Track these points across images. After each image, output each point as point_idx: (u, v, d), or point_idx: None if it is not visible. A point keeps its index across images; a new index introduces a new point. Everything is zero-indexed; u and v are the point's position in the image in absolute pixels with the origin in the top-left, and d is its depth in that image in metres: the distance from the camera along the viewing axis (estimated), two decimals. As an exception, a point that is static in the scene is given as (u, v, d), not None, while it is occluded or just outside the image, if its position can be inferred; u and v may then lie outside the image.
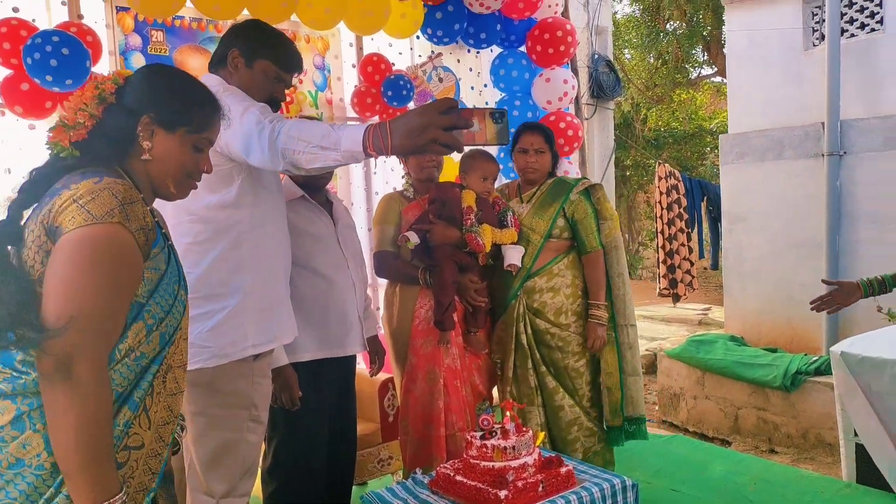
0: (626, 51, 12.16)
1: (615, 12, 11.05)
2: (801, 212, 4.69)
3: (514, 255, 2.75)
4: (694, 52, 11.04)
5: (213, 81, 1.88)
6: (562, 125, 4.06)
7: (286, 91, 2.06)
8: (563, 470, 2.10)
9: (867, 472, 3.04)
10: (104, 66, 2.86)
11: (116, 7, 2.91)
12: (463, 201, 2.66)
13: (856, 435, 3.04)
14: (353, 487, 2.76)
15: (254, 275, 1.89)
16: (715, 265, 5.79)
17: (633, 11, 11.39)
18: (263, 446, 2.49)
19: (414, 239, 2.59)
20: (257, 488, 2.85)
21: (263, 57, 1.95)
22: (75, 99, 1.33)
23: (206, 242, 1.85)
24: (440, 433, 2.61)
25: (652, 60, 11.31)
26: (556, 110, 4.14)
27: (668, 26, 10.52)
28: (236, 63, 1.96)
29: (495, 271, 2.87)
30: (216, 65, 2.01)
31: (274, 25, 3.25)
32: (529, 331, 2.80)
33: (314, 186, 2.50)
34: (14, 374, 1.16)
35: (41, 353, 1.11)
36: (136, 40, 2.95)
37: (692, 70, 11.91)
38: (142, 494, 1.25)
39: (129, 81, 1.36)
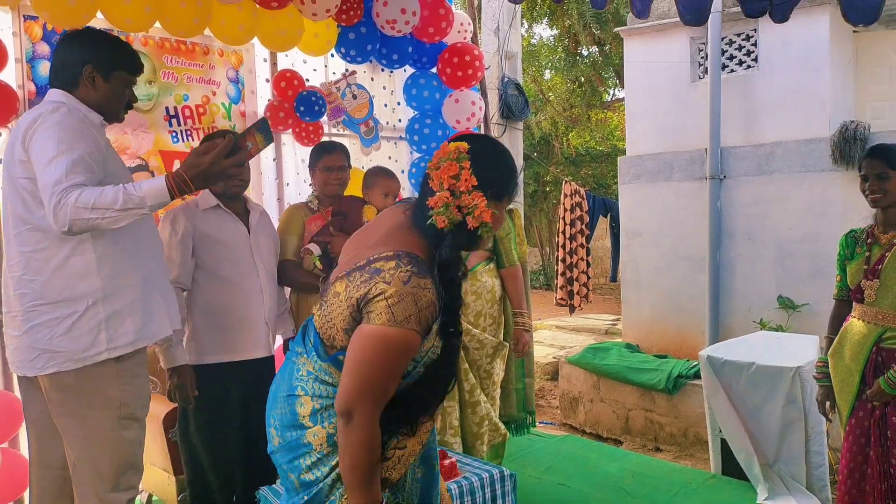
0: (547, 72, 12.70)
1: (535, 35, 11.54)
2: (689, 229, 5.12)
3: None
4: (607, 76, 11.67)
5: (58, 97, 1.97)
6: (469, 144, 4.29)
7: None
8: (447, 462, 2.30)
9: (730, 464, 3.39)
10: (11, 74, 2.87)
11: (24, 16, 2.93)
12: (364, 215, 2.84)
13: (720, 431, 3.39)
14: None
15: (104, 280, 1.92)
16: (614, 278, 6.18)
17: (550, 37, 11.94)
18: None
19: (316, 251, 2.74)
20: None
21: (119, 68, 2.02)
22: None
23: (46, 250, 1.90)
24: None
25: (569, 83, 11.86)
26: (465, 129, 4.38)
27: (583, 51, 11.09)
28: (93, 78, 1.99)
29: None
30: (68, 85, 1.99)
31: (186, 39, 3.39)
32: None
33: (229, 196, 2.62)
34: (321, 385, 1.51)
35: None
36: (44, 49, 2.97)
37: (606, 93, 12.56)
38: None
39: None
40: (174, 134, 3.44)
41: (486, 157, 1.51)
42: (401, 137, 4.59)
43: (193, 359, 2.50)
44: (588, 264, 5.63)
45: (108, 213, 1.75)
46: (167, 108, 3.42)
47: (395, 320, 1.37)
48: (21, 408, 2.90)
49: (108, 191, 1.77)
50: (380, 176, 2.94)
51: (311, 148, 3.05)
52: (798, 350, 3.27)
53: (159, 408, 2.80)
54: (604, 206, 6.89)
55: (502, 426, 3.12)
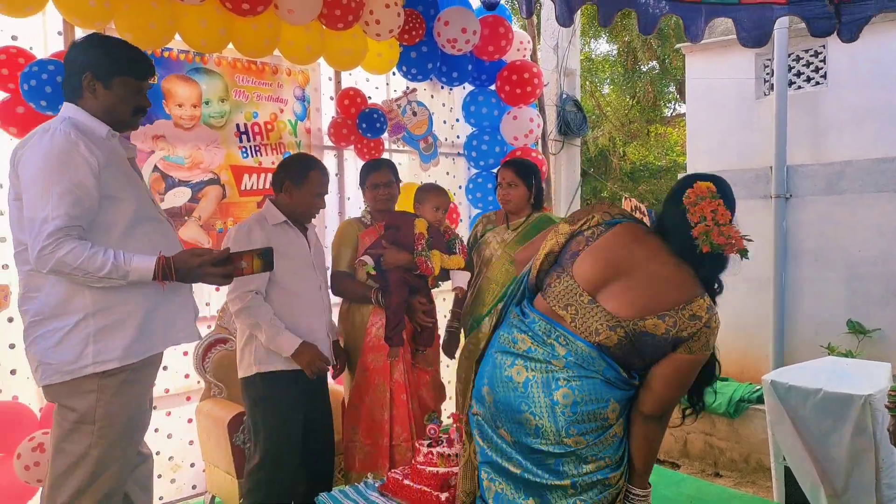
0: (606, 86, 12.61)
1: (592, 51, 11.49)
2: (753, 249, 4.97)
3: (460, 279, 3.00)
4: (667, 91, 11.50)
5: (66, 111, 1.97)
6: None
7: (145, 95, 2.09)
8: (502, 477, 2.31)
9: (794, 493, 3.27)
10: (96, 93, 3.06)
11: (110, 38, 3.13)
12: (415, 228, 2.91)
13: (784, 459, 3.28)
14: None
15: (95, 296, 1.89)
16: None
17: (610, 52, 11.86)
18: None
19: (369, 262, 2.82)
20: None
21: (120, 73, 1.98)
22: None
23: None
24: (384, 443, 2.82)
25: (628, 99, 11.75)
26: (523, 146, 4.41)
27: (642, 67, 10.98)
28: (93, 87, 1.96)
29: (473, 289, 3.12)
30: (71, 95, 1.99)
31: (257, 59, 3.54)
32: None
33: (299, 218, 2.71)
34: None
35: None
36: (127, 69, 3.17)
37: (665, 108, 12.38)
38: None
39: None
40: (244, 150, 3.59)
41: (729, 196, 1.86)
42: (459, 154, 4.65)
43: (261, 367, 2.58)
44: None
45: (88, 276, 1.81)
46: (238, 125, 3.58)
47: (708, 347, 1.76)
48: (31, 418, 2.97)
49: (99, 256, 1.80)
50: (431, 192, 3.03)
51: (361, 167, 3.14)
52: (868, 377, 3.13)
53: (223, 412, 2.91)
54: (663, 223, 6.77)
55: None
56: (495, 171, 3.26)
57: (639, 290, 1.74)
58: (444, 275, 2.99)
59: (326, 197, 2.79)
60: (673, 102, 12.32)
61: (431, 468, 2.23)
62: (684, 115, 13.61)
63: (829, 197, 4.62)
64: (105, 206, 1.92)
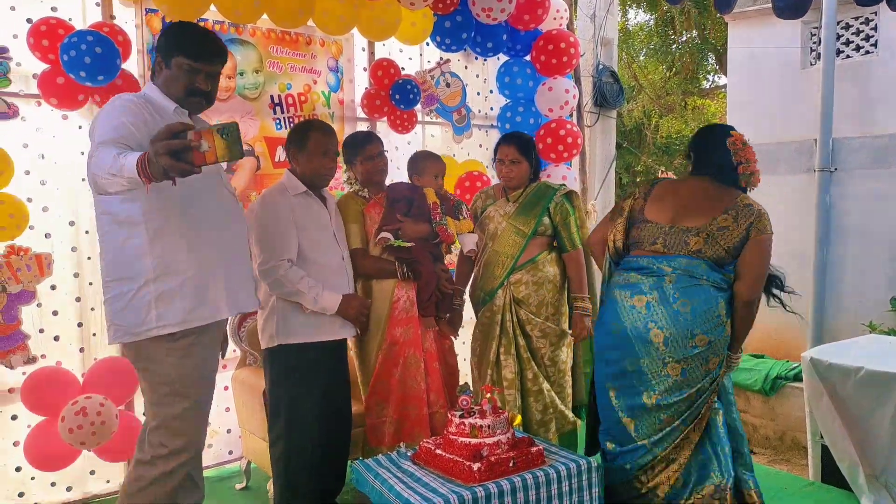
0: (641, 57, 12.30)
1: (628, 20, 11.20)
2: (793, 224, 4.85)
3: (470, 242, 3.03)
4: (706, 62, 11.17)
5: (147, 89, 2.16)
6: (562, 132, 4.26)
7: (212, 80, 2.17)
8: (534, 449, 2.31)
9: (831, 472, 3.22)
10: (133, 64, 3.09)
11: (145, 9, 3.14)
12: (427, 198, 2.91)
13: (822, 437, 3.21)
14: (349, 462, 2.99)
15: (155, 261, 2.03)
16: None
17: (648, 21, 11.54)
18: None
19: (392, 238, 2.81)
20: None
21: (177, 53, 2.09)
22: None
23: (111, 233, 2.07)
24: (423, 412, 2.83)
25: (664, 70, 11.45)
26: (558, 118, 4.34)
27: (680, 37, 10.67)
28: (160, 66, 2.13)
29: (479, 262, 3.13)
30: (152, 75, 2.19)
31: (291, 30, 3.52)
32: (515, 319, 3.02)
33: (315, 185, 2.71)
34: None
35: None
36: (162, 40, 3.18)
37: (704, 80, 12.04)
38: None
39: None
40: (278, 121, 3.60)
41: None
42: (492, 126, 4.60)
43: (283, 339, 2.61)
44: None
45: (104, 176, 1.79)
46: (272, 97, 3.58)
47: (769, 226, 2.40)
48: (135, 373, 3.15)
49: (112, 155, 1.79)
50: (429, 160, 3.03)
51: (345, 141, 3.04)
52: (913, 356, 3.04)
53: (259, 381, 2.96)
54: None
55: (570, 414, 3.08)
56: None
57: (701, 205, 2.44)
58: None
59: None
60: (712, 74, 11.97)
61: (464, 438, 2.25)
62: (724, 86, 13.24)
63: (875, 171, 4.46)
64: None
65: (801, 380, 4.21)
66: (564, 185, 3.24)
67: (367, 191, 2.98)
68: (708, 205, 2.42)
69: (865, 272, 4.51)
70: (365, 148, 2.94)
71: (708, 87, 12.34)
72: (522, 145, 3.08)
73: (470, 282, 3.23)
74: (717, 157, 2.49)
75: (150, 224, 2.03)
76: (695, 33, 10.43)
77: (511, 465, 2.23)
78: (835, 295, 4.63)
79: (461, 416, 2.29)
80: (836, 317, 4.61)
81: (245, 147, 3.48)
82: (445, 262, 3.06)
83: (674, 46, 10.64)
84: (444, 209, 2.93)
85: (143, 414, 2.25)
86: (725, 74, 11.54)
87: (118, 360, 3.17)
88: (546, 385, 3.03)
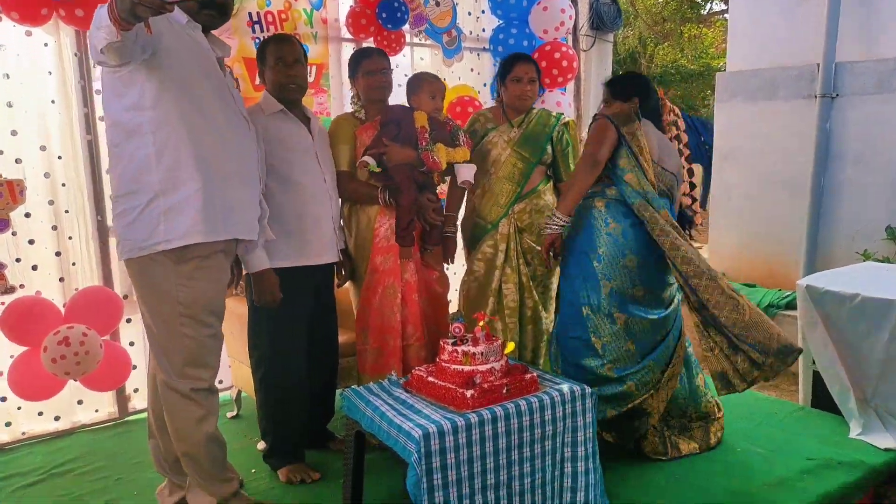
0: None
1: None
2: (791, 152, 4.75)
3: (466, 173, 2.86)
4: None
5: None
6: (557, 55, 4.08)
7: None
8: (528, 376, 2.27)
9: (821, 398, 3.24)
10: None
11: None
12: (416, 122, 2.75)
13: (814, 363, 3.22)
14: (337, 393, 2.96)
15: (163, 173, 1.99)
16: (704, 204, 5.88)
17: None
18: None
19: (372, 163, 2.68)
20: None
21: None
22: None
23: (120, 145, 2.03)
24: (397, 344, 2.77)
25: (662, -6, 11.07)
26: (553, 40, 4.15)
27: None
28: None
29: (478, 191, 3.02)
30: None
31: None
32: (520, 248, 2.97)
33: (290, 101, 2.57)
34: None
35: None
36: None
37: (703, 5, 11.65)
38: None
39: None
40: (256, 41, 3.40)
41: None
42: (484, 48, 4.40)
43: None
44: (692, 185, 5.26)
45: (93, 33, 1.77)
46: (250, 14, 3.38)
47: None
48: (121, 304, 3.09)
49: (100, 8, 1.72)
50: (424, 80, 2.85)
51: (351, 55, 2.92)
52: (909, 283, 3.01)
53: (245, 309, 2.89)
54: (696, 127, 6.51)
55: None
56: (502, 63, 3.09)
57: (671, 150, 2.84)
58: (448, 170, 2.87)
59: (348, 95, 2.65)
60: (711, 1, 11.58)
61: (456, 366, 2.20)
62: (723, 12, 12.84)
63: (879, 96, 4.33)
64: (168, 85, 1.96)
65: (793, 308, 4.22)
66: (562, 113, 3.17)
67: (364, 112, 2.84)
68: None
69: (862, 200, 4.45)
70: (364, 62, 2.79)
71: (706, 13, 11.97)
72: (537, 65, 3.05)
73: (462, 210, 3.13)
74: (656, 106, 2.83)
75: (158, 135, 1.98)
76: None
77: (504, 391, 2.19)
78: (829, 223, 4.58)
79: (454, 344, 2.24)
80: (831, 245, 4.58)
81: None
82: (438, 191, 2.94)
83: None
84: (433, 135, 2.78)
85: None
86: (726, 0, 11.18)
87: (101, 289, 3.10)
88: (544, 313, 3.04)
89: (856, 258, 4.30)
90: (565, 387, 2.30)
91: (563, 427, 2.28)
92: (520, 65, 2.98)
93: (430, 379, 2.25)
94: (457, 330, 2.26)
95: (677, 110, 6.63)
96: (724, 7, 11.90)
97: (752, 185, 5.00)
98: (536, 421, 2.20)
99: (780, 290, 4.50)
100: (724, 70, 5.55)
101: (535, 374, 2.31)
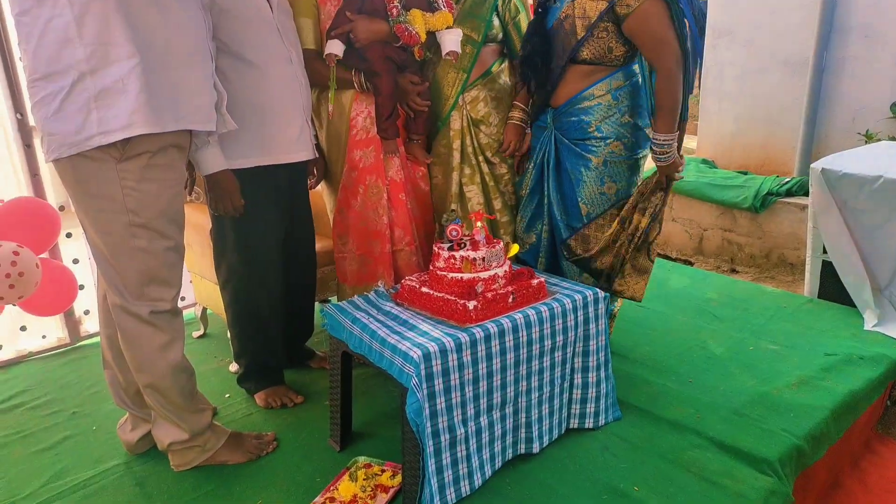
0: None
1: None
2: (792, 26, 4.37)
3: (451, 41, 2.38)
4: None
5: None
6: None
7: None
8: (535, 282, 1.99)
9: (830, 288, 3.07)
10: None
11: None
12: None
13: (824, 252, 3.02)
14: (316, 305, 2.67)
15: (87, 48, 1.59)
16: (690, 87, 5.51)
17: None
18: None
19: (338, 50, 2.25)
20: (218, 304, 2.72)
21: None
22: None
23: (28, 13, 1.59)
24: (385, 249, 2.43)
25: None
26: None
27: None
28: None
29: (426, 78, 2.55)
30: None
31: None
32: (476, 144, 2.55)
33: None
34: None
35: None
36: None
37: None
38: None
39: None
40: None
41: None
42: None
43: (229, 162, 2.08)
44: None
45: None
46: None
47: None
48: (57, 216, 2.68)
49: None
50: None
51: None
52: (931, 162, 2.77)
53: (205, 219, 2.52)
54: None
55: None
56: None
57: None
58: (430, 40, 2.42)
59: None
60: None
61: (454, 274, 1.90)
62: None
63: (893, -42, 3.93)
64: None
65: (792, 195, 4.00)
66: None
67: None
68: None
69: (866, 77, 4.15)
70: None
71: None
72: None
73: None
74: None
75: None
76: None
77: (511, 300, 1.92)
78: (829, 103, 4.29)
79: (450, 249, 1.93)
80: (828, 127, 4.31)
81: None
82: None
83: None
84: (404, 1, 2.33)
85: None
86: None
87: (31, 200, 2.68)
88: (514, 216, 2.64)
89: (857, 140, 4.05)
90: (576, 292, 2.04)
91: (574, 336, 2.03)
92: None
93: (425, 290, 1.96)
94: (453, 232, 1.95)
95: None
96: None
97: (749, 63, 4.64)
98: (546, 332, 1.95)
99: (777, 176, 4.26)
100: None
101: (542, 278, 2.03)
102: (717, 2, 4.80)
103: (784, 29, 4.42)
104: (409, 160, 2.52)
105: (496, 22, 2.49)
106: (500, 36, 2.51)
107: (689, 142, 6.08)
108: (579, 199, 2.36)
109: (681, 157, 2.33)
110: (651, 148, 2.28)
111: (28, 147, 2.71)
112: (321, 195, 2.65)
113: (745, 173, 4.55)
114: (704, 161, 4.78)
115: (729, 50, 4.75)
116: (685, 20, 2.16)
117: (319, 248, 2.60)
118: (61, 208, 2.75)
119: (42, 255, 2.62)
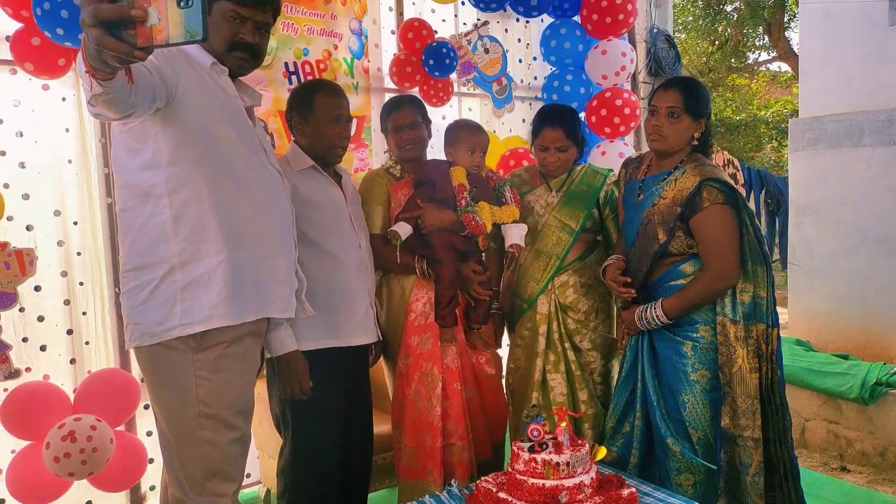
0: (681, 33, 11.62)
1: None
2: (881, 205, 4.24)
3: (515, 235, 2.42)
4: (754, 35, 10.44)
5: None
6: (618, 102, 3.73)
7: (261, 32, 1.81)
8: (626, 492, 1.80)
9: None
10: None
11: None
12: (453, 179, 2.36)
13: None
14: (372, 496, 2.50)
15: (181, 243, 1.65)
16: (785, 263, 5.35)
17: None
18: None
19: (403, 231, 2.30)
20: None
21: None
22: None
23: (131, 210, 1.69)
24: (437, 444, 2.30)
25: (707, 44, 10.75)
26: (613, 86, 3.81)
27: (727, 6, 9.95)
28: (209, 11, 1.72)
29: (514, 263, 2.61)
30: None
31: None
32: (563, 330, 2.50)
33: (325, 159, 2.23)
34: None
35: None
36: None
37: (749, 54, 11.30)
38: None
39: None
40: (294, 92, 3.10)
41: None
42: (537, 97, 4.08)
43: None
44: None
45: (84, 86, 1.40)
46: (286, 64, 3.10)
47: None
48: (138, 389, 2.72)
49: None
50: (462, 130, 2.45)
51: (382, 107, 2.59)
52: None
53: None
54: (760, 178, 6.05)
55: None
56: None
57: None
58: (495, 231, 2.45)
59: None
60: (758, 50, 11.21)
61: (536, 480, 1.74)
62: (768, 62, 12.49)
63: None
64: (188, 139, 1.65)
65: (905, 384, 3.64)
66: (611, 170, 2.65)
67: (399, 168, 2.48)
68: None
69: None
70: (390, 115, 2.46)
71: (752, 62, 11.61)
72: (570, 128, 2.49)
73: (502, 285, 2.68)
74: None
75: (176, 197, 1.65)
76: (740, 4, 9.72)
77: (598, 514, 1.72)
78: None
79: (531, 450, 1.79)
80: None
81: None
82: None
83: (719, 16, 9.91)
84: (474, 193, 2.38)
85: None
86: (774, 48, 10.82)
87: (116, 372, 2.74)
88: (601, 408, 2.51)
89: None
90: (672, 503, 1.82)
91: (671, 557, 1.79)
92: (546, 131, 2.49)
93: (502, 495, 1.80)
94: (535, 432, 1.82)
95: (736, 162, 6.20)
96: (768, 57, 11.55)
97: (838, 242, 4.47)
98: (640, 553, 1.72)
99: (883, 363, 3.91)
100: (778, 121, 5.10)
101: (632, 488, 1.84)
102: (799, 179, 4.77)
103: (872, 209, 4.29)
104: (470, 348, 2.46)
105: (595, 214, 2.54)
106: (596, 227, 2.56)
107: (782, 315, 5.79)
108: None
109: None
110: (642, 316, 2.20)
111: (121, 320, 2.82)
112: (380, 371, 2.59)
113: (846, 356, 4.22)
114: (799, 342, 4.48)
115: (815, 227, 4.63)
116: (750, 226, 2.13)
117: (378, 432, 2.49)
118: (142, 381, 2.79)
119: (118, 428, 2.62)
